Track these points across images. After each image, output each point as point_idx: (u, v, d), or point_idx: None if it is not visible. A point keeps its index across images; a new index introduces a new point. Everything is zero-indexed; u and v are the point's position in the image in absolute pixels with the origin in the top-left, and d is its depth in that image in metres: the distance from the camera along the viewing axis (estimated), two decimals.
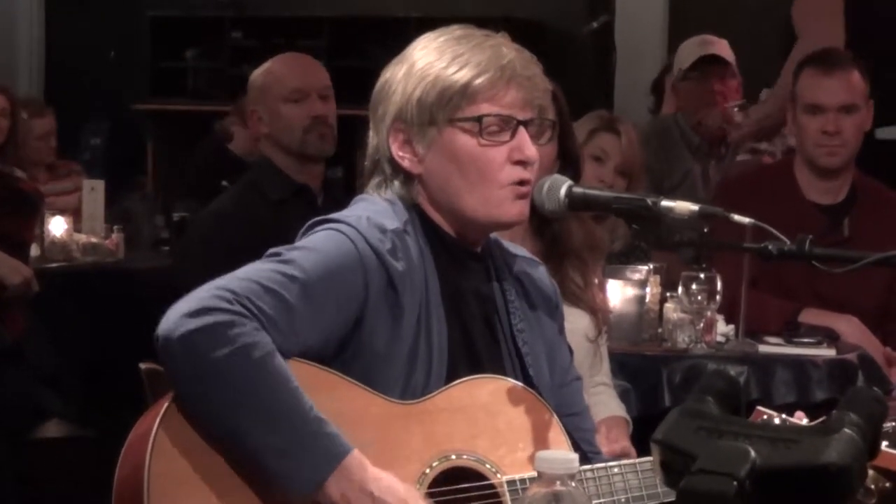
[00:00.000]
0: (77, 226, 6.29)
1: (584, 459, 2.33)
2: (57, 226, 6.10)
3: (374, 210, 2.34)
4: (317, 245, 2.26)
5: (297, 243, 2.30)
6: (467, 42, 2.35)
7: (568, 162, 3.26)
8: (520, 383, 2.37)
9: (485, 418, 2.30)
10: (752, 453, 1.47)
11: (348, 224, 2.29)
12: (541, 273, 2.55)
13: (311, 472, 2.09)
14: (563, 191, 2.37)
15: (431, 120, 2.33)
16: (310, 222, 2.35)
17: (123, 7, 9.58)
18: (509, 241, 2.66)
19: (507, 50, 2.35)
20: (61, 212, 6.25)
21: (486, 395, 2.32)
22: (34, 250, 5.62)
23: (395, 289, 2.27)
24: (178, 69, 9.51)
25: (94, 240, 6.27)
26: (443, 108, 2.32)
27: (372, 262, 2.26)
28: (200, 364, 2.08)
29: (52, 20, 9.84)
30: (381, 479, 2.14)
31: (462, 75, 2.31)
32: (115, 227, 6.39)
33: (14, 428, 4.98)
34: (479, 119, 2.31)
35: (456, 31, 2.39)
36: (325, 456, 2.10)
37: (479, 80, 2.31)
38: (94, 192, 6.47)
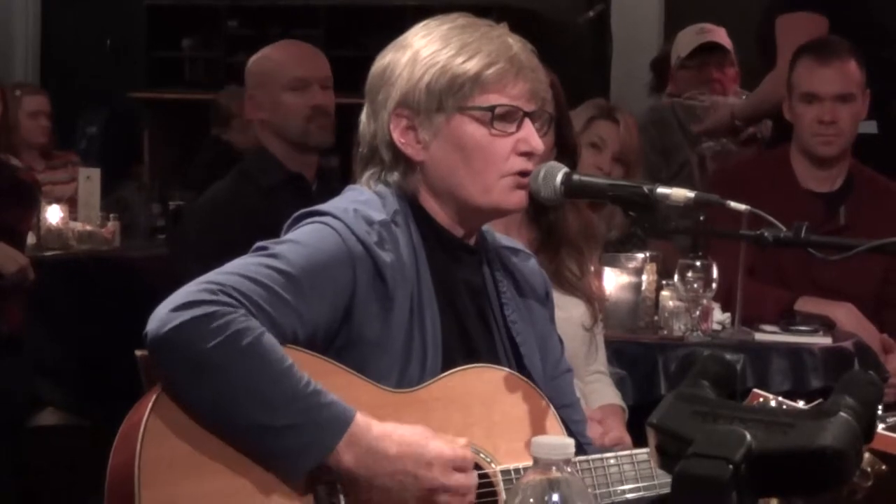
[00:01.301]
0: (73, 214, 6.29)
1: (578, 450, 2.33)
2: (53, 214, 6.10)
3: (361, 201, 2.33)
4: (303, 238, 2.25)
5: (284, 237, 2.29)
6: (473, 31, 2.36)
7: (564, 151, 3.27)
8: (515, 372, 2.36)
9: (480, 407, 2.29)
10: (748, 437, 1.46)
11: (335, 216, 2.28)
12: (532, 265, 2.55)
13: (320, 444, 2.09)
14: (559, 178, 2.37)
15: (440, 107, 2.32)
16: (296, 214, 2.34)
17: None
18: (504, 230, 2.66)
19: (512, 41, 2.36)
20: (57, 200, 6.25)
21: (482, 384, 2.31)
22: (30, 239, 5.62)
23: (383, 280, 2.27)
24: (175, 58, 9.49)
25: (89, 228, 6.27)
26: (453, 95, 2.32)
27: (359, 254, 2.25)
28: (192, 357, 2.07)
29: (48, 8, 9.82)
30: (391, 433, 2.14)
31: (473, 64, 2.31)
32: (111, 216, 6.39)
33: (11, 417, 4.98)
34: (491, 108, 2.32)
35: (458, 19, 2.39)
36: (332, 424, 2.10)
37: (490, 71, 2.32)
38: (89, 181, 6.47)
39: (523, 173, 2.35)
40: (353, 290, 2.24)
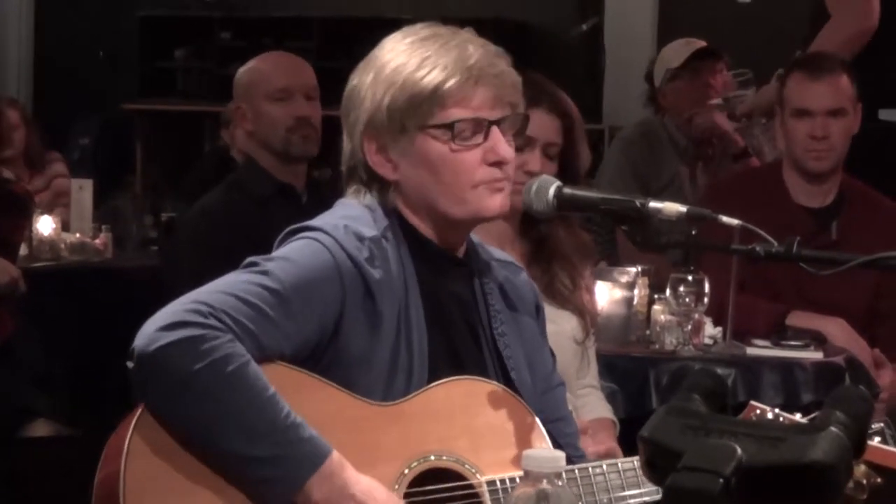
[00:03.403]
0: (65, 224, 6.28)
1: (569, 463, 2.33)
2: (45, 225, 6.09)
3: (352, 217, 2.33)
4: (294, 255, 2.25)
5: (275, 253, 2.29)
6: (433, 43, 2.34)
7: (568, 177, 3.24)
8: (501, 385, 2.36)
9: (464, 419, 2.29)
10: (739, 451, 1.47)
11: (325, 232, 2.28)
12: (522, 279, 2.55)
13: (291, 479, 2.10)
14: (551, 191, 2.38)
15: (402, 128, 2.32)
16: (288, 229, 2.34)
17: (113, 7, 9.59)
18: (498, 244, 2.66)
19: (473, 48, 2.33)
20: (48, 209, 6.24)
21: (466, 396, 2.31)
22: (22, 250, 5.61)
23: (372, 297, 2.27)
24: (168, 69, 9.51)
25: (82, 239, 6.26)
26: (413, 115, 2.31)
27: (349, 271, 2.25)
28: (176, 378, 2.08)
29: (41, 19, 9.83)
30: (362, 481, 2.15)
31: (430, 80, 2.30)
32: (104, 227, 6.38)
33: (3, 427, 4.97)
34: (451, 126, 2.31)
35: (421, 30, 2.38)
36: (305, 461, 2.11)
37: (447, 85, 2.30)
38: (82, 192, 6.46)
39: (496, 181, 2.35)
40: (342, 306, 2.24)
